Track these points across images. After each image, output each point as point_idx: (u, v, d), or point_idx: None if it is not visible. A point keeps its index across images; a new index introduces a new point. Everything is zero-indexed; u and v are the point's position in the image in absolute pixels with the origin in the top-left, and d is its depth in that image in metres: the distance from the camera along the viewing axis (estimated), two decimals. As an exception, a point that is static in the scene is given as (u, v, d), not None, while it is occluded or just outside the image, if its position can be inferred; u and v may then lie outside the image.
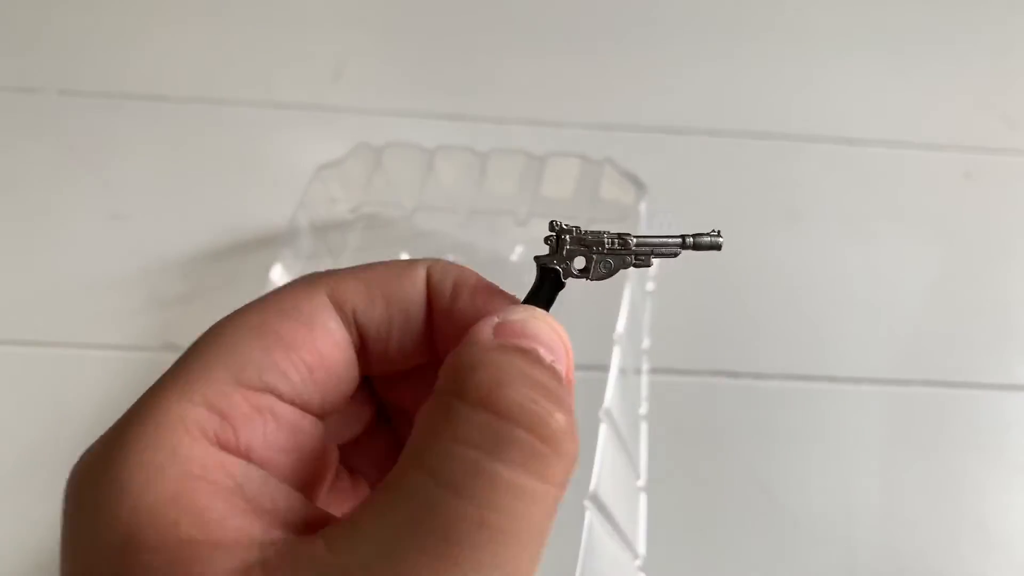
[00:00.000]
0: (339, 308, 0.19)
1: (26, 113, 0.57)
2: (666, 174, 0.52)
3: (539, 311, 0.19)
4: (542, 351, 0.17)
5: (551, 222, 0.22)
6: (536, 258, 0.21)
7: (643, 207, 0.43)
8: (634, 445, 0.43)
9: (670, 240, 0.21)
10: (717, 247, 0.22)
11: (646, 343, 0.47)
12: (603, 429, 0.38)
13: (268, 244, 0.53)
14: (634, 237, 0.21)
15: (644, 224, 0.43)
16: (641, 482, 0.43)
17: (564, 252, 0.21)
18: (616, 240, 0.21)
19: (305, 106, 0.57)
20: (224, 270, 0.52)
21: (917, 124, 0.58)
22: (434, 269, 0.20)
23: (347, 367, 0.19)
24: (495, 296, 0.20)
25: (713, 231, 0.22)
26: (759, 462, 0.44)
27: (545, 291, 0.21)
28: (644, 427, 0.44)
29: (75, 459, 0.48)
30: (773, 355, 0.48)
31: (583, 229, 0.21)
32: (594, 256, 0.21)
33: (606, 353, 0.42)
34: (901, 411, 0.47)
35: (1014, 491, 0.45)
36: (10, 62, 0.58)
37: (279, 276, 0.44)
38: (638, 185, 0.44)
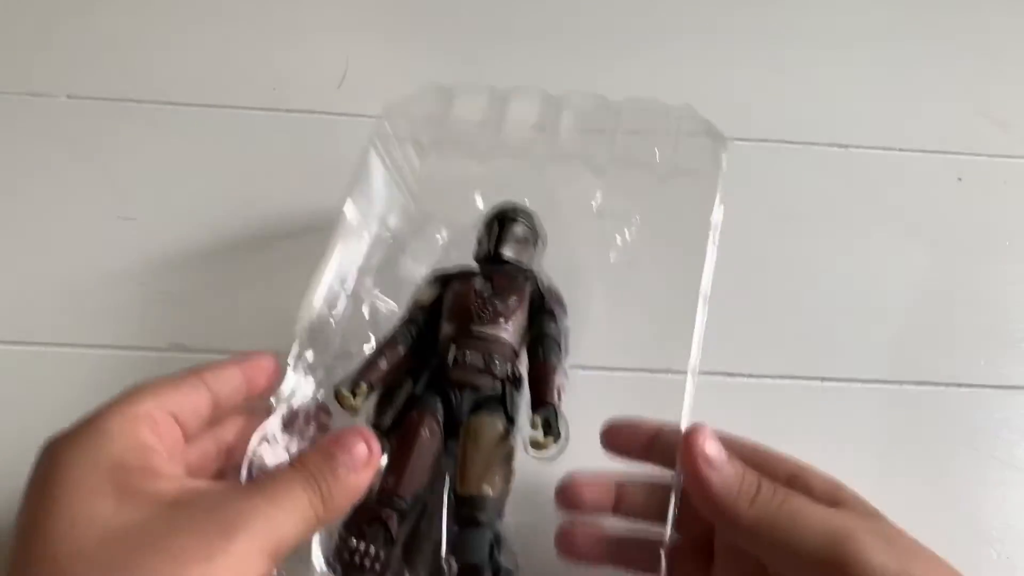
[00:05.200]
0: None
1: (35, 116, 0.57)
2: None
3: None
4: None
5: None
6: None
7: (724, 159, 0.43)
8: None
9: None
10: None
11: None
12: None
13: (271, 245, 0.54)
14: None
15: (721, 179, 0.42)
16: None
17: None
18: None
19: (311, 110, 0.58)
20: (229, 271, 0.53)
21: (909, 128, 0.59)
22: None
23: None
24: None
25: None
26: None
27: None
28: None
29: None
30: (767, 356, 0.49)
31: None
32: None
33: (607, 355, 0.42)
34: (893, 411, 0.48)
35: (1006, 487, 0.46)
36: (20, 67, 0.59)
37: (351, 213, 0.43)
38: (717, 137, 0.43)
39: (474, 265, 0.42)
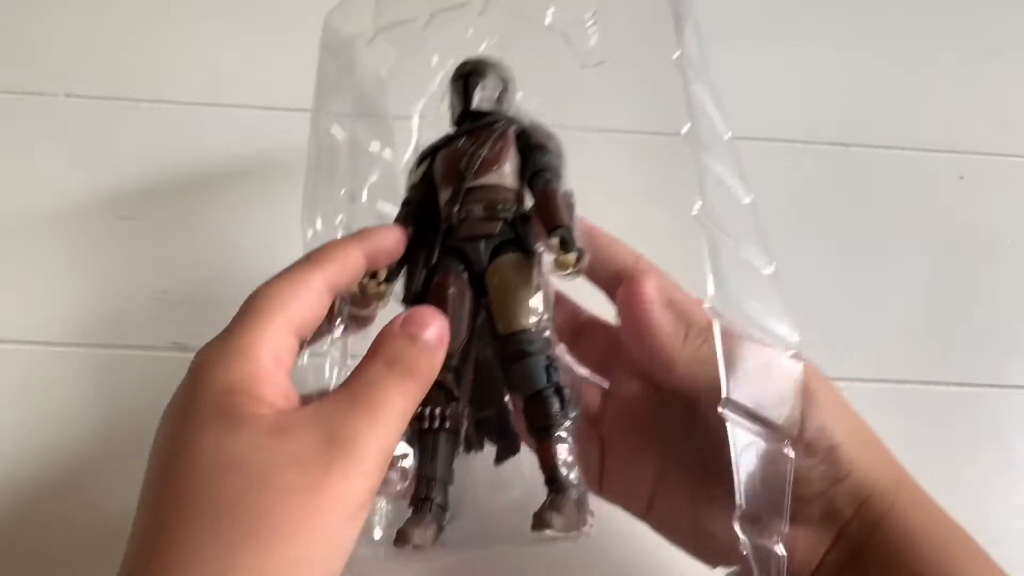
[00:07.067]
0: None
1: (34, 115, 0.57)
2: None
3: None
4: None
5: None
6: None
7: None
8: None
9: None
10: None
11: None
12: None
13: (271, 245, 0.54)
14: None
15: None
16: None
17: None
18: None
19: (307, 109, 0.58)
20: (228, 270, 0.53)
21: (912, 127, 0.59)
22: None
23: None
24: None
25: None
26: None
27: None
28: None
29: (81, 460, 0.48)
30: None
31: None
32: None
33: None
34: (893, 411, 0.48)
35: (1006, 487, 0.46)
36: (19, 66, 0.59)
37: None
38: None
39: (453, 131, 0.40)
